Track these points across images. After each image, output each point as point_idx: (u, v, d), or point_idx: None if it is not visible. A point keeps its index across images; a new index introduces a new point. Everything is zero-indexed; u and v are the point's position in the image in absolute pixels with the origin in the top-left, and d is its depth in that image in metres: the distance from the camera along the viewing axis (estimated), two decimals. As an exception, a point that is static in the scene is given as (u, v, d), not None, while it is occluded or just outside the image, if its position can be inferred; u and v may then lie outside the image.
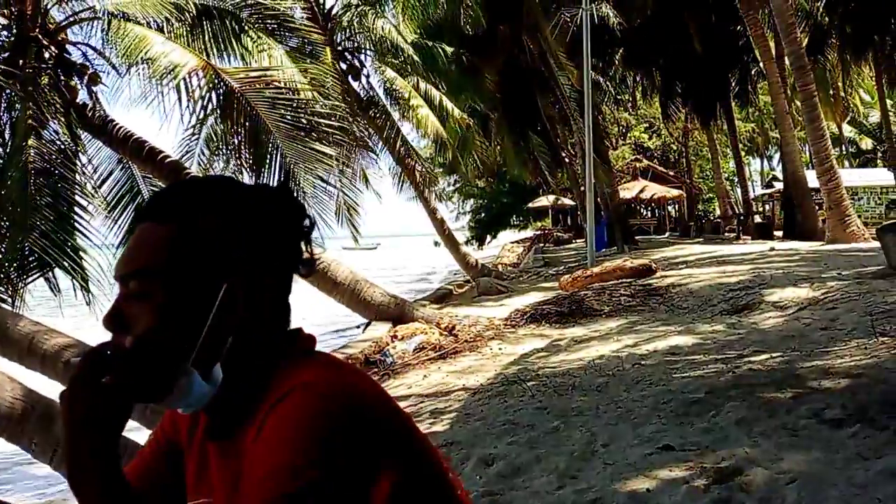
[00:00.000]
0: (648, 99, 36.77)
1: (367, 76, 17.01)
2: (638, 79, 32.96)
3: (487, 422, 5.31)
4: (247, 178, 10.77)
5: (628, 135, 46.52)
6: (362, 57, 16.99)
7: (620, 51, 28.84)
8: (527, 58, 24.55)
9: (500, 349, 8.60)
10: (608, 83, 30.74)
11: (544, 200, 42.17)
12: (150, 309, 0.94)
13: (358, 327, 12.60)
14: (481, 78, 21.23)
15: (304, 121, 11.26)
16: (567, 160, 29.02)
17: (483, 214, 54.72)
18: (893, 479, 3.12)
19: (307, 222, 1.05)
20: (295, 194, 1.10)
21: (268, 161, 11.20)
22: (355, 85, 16.78)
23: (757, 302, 9.37)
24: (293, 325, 1.07)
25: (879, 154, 49.86)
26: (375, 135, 17.57)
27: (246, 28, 11.92)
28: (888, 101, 33.99)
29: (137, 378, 0.93)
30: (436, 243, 22.62)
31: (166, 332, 0.94)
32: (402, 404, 5.78)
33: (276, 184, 1.19)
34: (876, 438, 3.62)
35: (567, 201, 40.28)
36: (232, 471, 0.95)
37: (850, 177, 39.17)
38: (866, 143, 54.16)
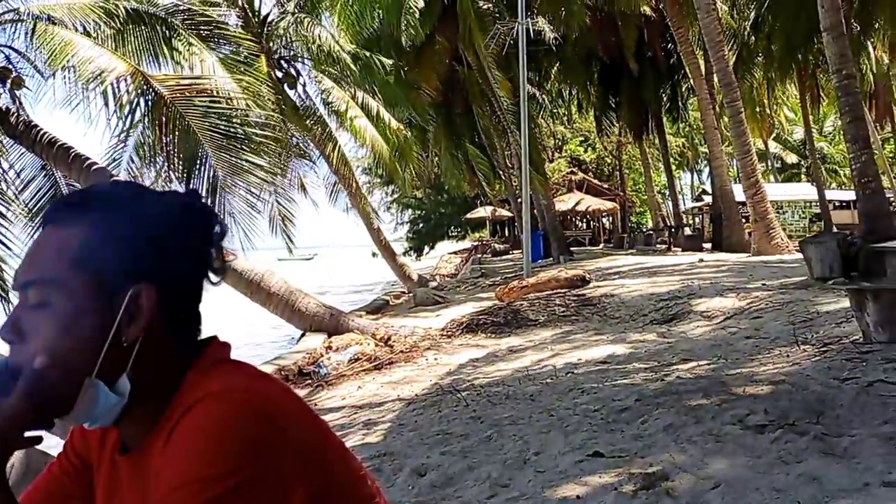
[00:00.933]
0: (583, 113, 37.47)
1: (304, 85, 16.87)
2: (573, 92, 33.54)
3: (421, 432, 5.29)
4: (176, 187, 10.53)
5: (564, 148, 47.26)
6: (299, 65, 16.85)
7: (556, 64, 29.31)
8: (464, 70, 24.73)
9: (435, 359, 8.59)
10: (544, 96, 31.21)
11: (482, 212, 42.47)
12: (51, 319, 0.90)
13: (295, 338, 12.45)
14: (419, 89, 21.30)
15: (236, 130, 11.10)
16: (504, 172, 29.30)
17: (421, 225, 54.82)
18: (812, 483, 3.21)
19: (218, 228, 1.01)
20: (212, 201, 1.07)
21: (198, 170, 11.00)
22: (291, 94, 16.61)
23: (686, 312, 9.61)
24: (222, 334, 1.04)
25: (803, 169, 51.87)
26: (312, 144, 17.42)
27: (178, 34, 11.71)
28: (811, 118, 35.35)
29: (37, 396, 0.87)
30: (373, 254, 22.50)
31: (68, 343, 0.89)
32: (335, 416, 5.75)
33: (201, 191, 1.15)
34: (796, 443, 3.72)
35: (505, 213, 40.65)
36: (143, 484, 0.91)
37: (776, 191, 40.63)
38: (791, 159, 56.29)
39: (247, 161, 10.83)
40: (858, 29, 26.10)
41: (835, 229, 22.50)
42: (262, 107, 12.51)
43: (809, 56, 26.58)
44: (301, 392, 7.88)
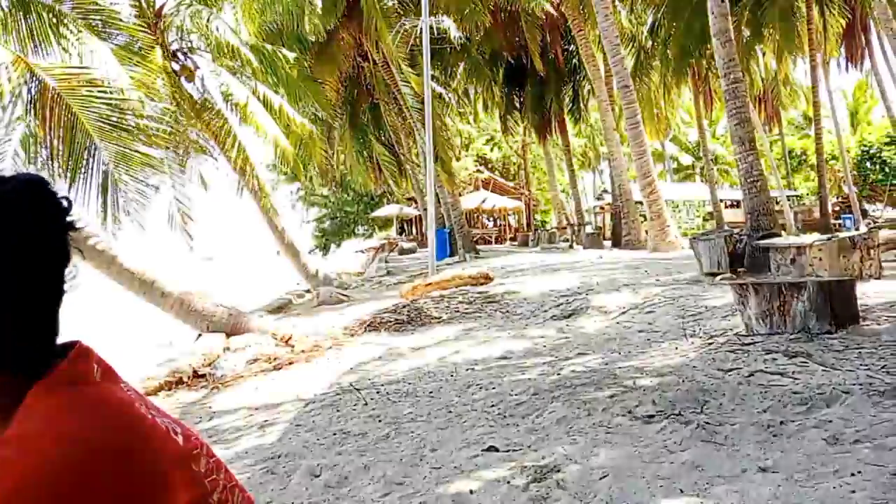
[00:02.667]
0: (489, 112, 37.88)
1: (202, 78, 16.32)
2: (479, 92, 33.84)
3: (318, 432, 5.21)
4: (62, 183, 10.05)
5: (470, 147, 47.67)
6: (196, 58, 16.29)
7: (462, 63, 29.50)
8: (370, 66, 24.58)
9: (337, 358, 8.48)
10: (450, 95, 31.35)
11: (389, 210, 42.37)
12: None
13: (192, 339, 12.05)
14: (323, 86, 21.02)
15: (129, 122, 10.66)
16: (411, 170, 29.30)
17: (327, 223, 54.23)
18: (695, 469, 3.33)
19: (70, 220, 0.89)
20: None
21: (87, 164, 10.52)
22: (189, 87, 16.05)
23: (584, 307, 9.83)
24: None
25: (698, 169, 54.07)
26: (212, 140, 16.91)
27: (66, 23, 11.17)
28: (705, 121, 36.86)
29: None
30: (277, 253, 22.07)
31: None
32: (230, 418, 5.56)
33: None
34: (681, 432, 3.85)
35: (411, 211, 40.69)
36: None
37: (672, 190, 42.31)
38: (686, 159, 58.64)
39: (139, 154, 10.43)
40: (749, 35, 27.41)
41: (726, 227, 23.51)
42: (156, 99, 12.08)
43: (703, 60, 27.70)
44: (196, 395, 7.64)
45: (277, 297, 18.18)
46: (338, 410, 5.81)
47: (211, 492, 0.94)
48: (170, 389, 7.79)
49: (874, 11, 21.74)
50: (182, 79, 15.96)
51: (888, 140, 42.50)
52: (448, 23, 19.77)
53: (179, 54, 16.06)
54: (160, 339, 15.39)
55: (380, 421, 5.22)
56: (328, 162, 25.26)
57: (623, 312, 8.98)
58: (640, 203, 21.90)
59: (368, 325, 10.22)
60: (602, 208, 42.69)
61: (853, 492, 2.73)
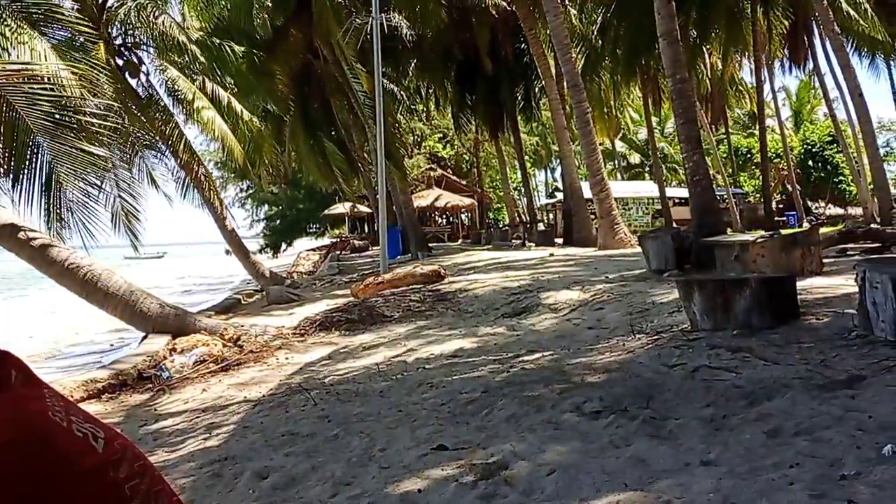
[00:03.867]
0: (441, 110, 37.89)
1: (148, 74, 16.02)
2: (431, 89, 33.84)
3: (266, 434, 5.14)
4: (5, 182, 9.76)
5: (423, 144, 47.66)
6: (142, 53, 15.99)
7: (414, 61, 29.46)
8: (321, 63, 24.37)
9: (286, 359, 8.40)
10: (402, 92, 31.30)
11: (341, 208, 42.11)
12: None
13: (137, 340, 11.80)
14: (274, 80, 20.77)
15: (71, 119, 10.40)
16: (363, 167, 29.16)
17: (278, 222, 53.66)
18: (639, 464, 3.37)
19: None
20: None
21: (30, 162, 10.23)
22: (133, 83, 15.73)
23: (535, 305, 9.90)
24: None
25: (647, 168, 54.97)
26: (158, 137, 16.59)
27: (4, 17, 10.85)
28: (654, 120, 37.43)
29: None
30: (227, 252, 21.78)
31: None
32: (175, 420, 5.47)
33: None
34: (627, 428, 3.89)
35: (364, 209, 40.52)
36: None
37: (622, 188, 42.87)
38: (636, 158, 59.53)
39: (83, 151, 10.18)
40: (696, 36, 27.91)
41: (675, 224, 23.94)
42: (99, 95, 11.80)
43: (651, 60, 28.11)
44: (140, 397, 7.49)
45: (226, 296, 17.94)
46: (286, 411, 5.75)
47: (131, 498, 0.91)
48: (113, 392, 7.61)
49: (816, 13, 22.33)
50: (126, 74, 15.64)
51: (830, 139, 43.73)
52: (400, 20, 19.72)
53: (124, 49, 15.73)
54: (104, 340, 15.08)
55: (329, 421, 5.17)
56: (278, 159, 24.99)
57: (573, 310, 9.07)
58: (591, 201, 22.17)
59: (319, 325, 10.14)
60: (554, 206, 43.09)
61: (791, 483, 2.79)
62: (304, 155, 25.78)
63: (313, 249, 43.73)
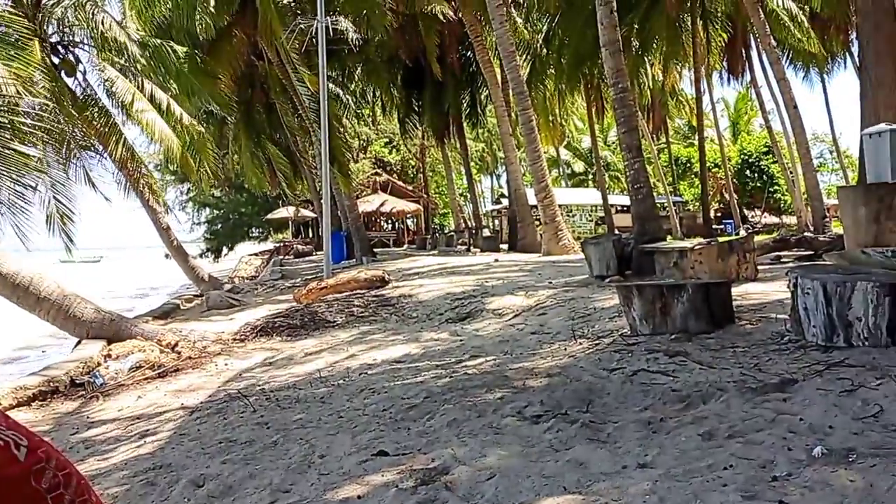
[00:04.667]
0: (388, 114, 37.80)
1: (85, 73, 15.57)
2: (377, 94, 33.74)
3: (203, 441, 5.03)
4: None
5: (369, 149, 47.47)
6: (80, 52, 15.54)
7: (360, 65, 29.33)
8: (265, 65, 24.09)
9: (225, 365, 8.24)
10: (348, 96, 31.14)
11: (285, 212, 41.63)
12: None
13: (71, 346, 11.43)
14: (217, 81, 20.42)
15: (4, 119, 10.07)
16: (307, 171, 28.88)
17: (220, 225, 52.75)
18: (578, 468, 3.39)
19: None
20: None
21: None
22: (70, 82, 15.28)
23: (479, 310, 9.93)
24: None
25: (590, 176, 55.79)
26: (95, 137, 16.14)
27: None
28: (597, 128, 38.02)
29: None
30: (166, 255, 21.34)
31: None
32: (107, 428, 5.31)
33: None
34: (566, 431, 3.92)
35: (308, 213, 40.13)
36: None
37: (566, 195, 43.43)
38: (580, 166, 60.36)
39: (15, 152, 9.85)
40: (638, 47, 28.46)
41: (617, 231, 24.30)
42: (33, 94, 11.45)
43: (595, 70, 28.55)
44: (73, 404, 7.25)
45: (165, 301, 17.55)
46: (224, 418, 5.64)
47: None
48: (44, 399, 7.36)
49: (754, 27, 22.99)
50: (63, 73, 15.19)
51: (766, 150, 45.05)
52: (346, 24, 19.60)
53: (60, 47, 15.27)
54: (37, 346, 14.59)
55: (268, 428, 5.09)
56: (220, 162, 24.59)
57: (517, 315, 9.12)
58: (536, 207, 22.37)
59: (260, 330, 9.99)
60: (500, 212, 43.34)
61: (725, 485, 2.84)
62: (247, 158, 25.44)
63: (256, 254, 43.14)
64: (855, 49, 24.25)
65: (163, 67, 16.53)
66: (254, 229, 54.03)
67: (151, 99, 15.55)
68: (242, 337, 9.87)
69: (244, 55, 22.95)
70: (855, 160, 17.00)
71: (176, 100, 16.91)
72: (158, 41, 16.66)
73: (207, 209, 53.05)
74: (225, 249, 53.78)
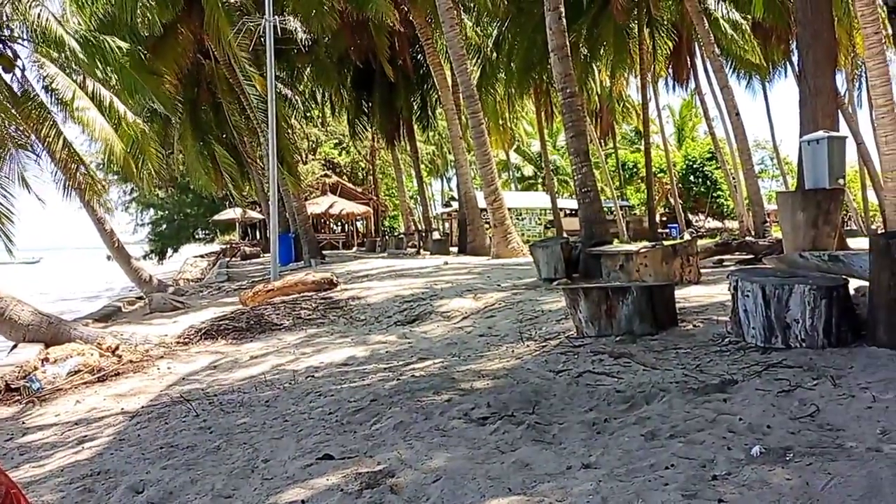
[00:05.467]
0: (337, 116, 37.56)
1: (23, 69, 15.09)
2: (327, 95, 33.51)
3: (143, 446, 4.90)
4: None
5: (318, 150, 47.09)
6: (16, 47, 15.05)
7: (309, 66, 29.08)
8: (212, 64, 23.69)
9: (168, 368, 8.06)
10: (297, 97, 30.84)
11: (231, 213, 41.01)
12: None
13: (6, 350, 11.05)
14: (161, 79, 20.01)
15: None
16: (255, 172, 28.50)
17: (164, 227, 51.71)
18: (524, 469, 3.40)
19: None
20: None
21: None
22: (8, 78, 14.80)
23: (428, 312, 9.92)
24: None
25: (540, 179, 56.32)
26: (34, 135, 15.65)
27: None
28: (546, 133, 38.41)
29: None
30: (108, 257, 20.84)
31: None
32: (44, 434, 5.14)
33: None
34: (513, 433, 3.93)
35: (255, 215, 39.61)
36: None
37: (516, 199, 43.77)
38: (529, 170, 60.90)
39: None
40: (586, 52, 28.85)
41: (566, 234, 24.57)
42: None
43: (544, 75, 28.87)
44: (8, 410, 7.00)
45: (106, 304, 17.11)
46: (166, 423, 5.51)
47: None
48: (-24, 406, 7.09)
49: (699, 35, 23.49)
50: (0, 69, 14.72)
51: (710, 156, 46.11)
52: (295, 23, 19.39)
53: (-3, 42, 14.81)
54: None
55: (211, 432, 4.99)
56: (165, 162, 24.10)
57: (465, 317, 9.14)
58: (485, 210, 22.48)
59: (204, 333, 9.81)
60: (450, 215, 43.45)
61: (666, 484, 2.88)
62: (193, 158, 24.97)
63: (201, 256, 42.45)
64: (795, 58, 24.97)
65: (104, 63, 16.11)
66: (199, 231, 53.13)
67: (93, 97, 15.15)
68: (186, 340, 9.67)
69: (190, 53, 22.53)
70: (794, 167, 17.51)
71: (119, 97, 16.52)
72: (101, 37, 16.23)
73: (152, 210, 52.01)
74: (169, 251, 52.78)
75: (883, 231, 15.03)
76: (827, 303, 4.72)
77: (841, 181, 8.84)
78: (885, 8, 11.65)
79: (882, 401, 3.60)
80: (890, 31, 14.10)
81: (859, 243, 11.09)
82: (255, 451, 4.36)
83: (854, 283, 5.36)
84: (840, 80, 26.95)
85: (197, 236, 53.93)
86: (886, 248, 4.43)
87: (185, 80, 23.27)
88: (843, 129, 17.62)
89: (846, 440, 3.19)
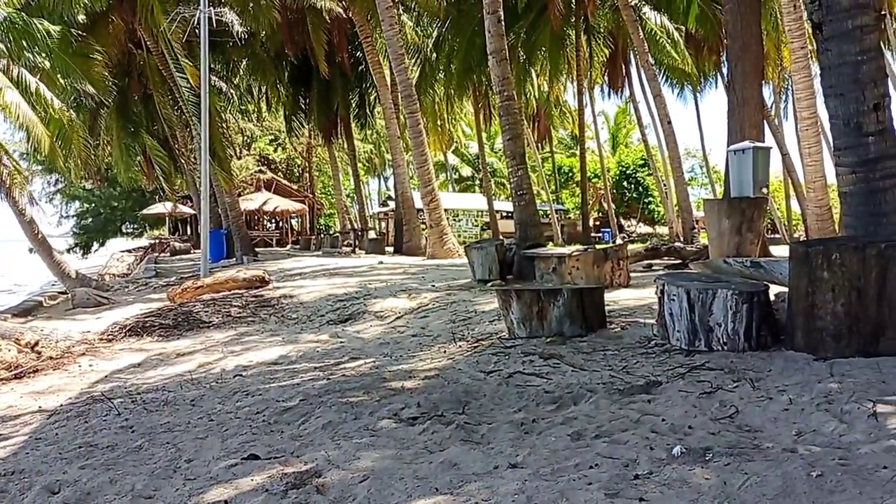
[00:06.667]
0: (273, 111, 37.04)
1: (-58, 51, 14.43)
2: (263, 90, 33.01)
3: (61, 446, 4.73)
4: None
5: (253, 146, 46.31)
6: (-65, 27, 14.39)
7: (245, 59, 28.60)
8: (143, 54, 23.05)
9: (90, 366, 7.81)
10: (232, 91, 30.28)
11: (161, 208, 40.01)
12: None
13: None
14: (92, 65, 19.33)
15: None
16: (187, 166, 27.86)
17: (90, 220, 50.10)
18: (451, 468, 3.40)
19: None
20: None
21: None
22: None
23: (361, 312, 9.88)
24: None
25: (477, 181, 56.67)
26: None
27: None
28: (484, 135, 38.66)
29: None
30: (30, 250, 20.08)
31: None
32: (-49, 434, 4.86)
33: None
34: (441, 433, 3.94)
35: (186, 209, 38.72)
36: None
37: (452, 200, 43.92)
38: (467, 171, 61.21)
39: None
40: (525, 57, 29.16)
41: (501, 236, 24.77)
42: None
43: (483, 77, 29.06)
44: (-86, 408, 6.66)
45: (26, 298, 16.49)
46: (86, 422, 5.33)
47: None
48: None
49: (634, 44, 24.01)
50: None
51: (642, 162, 47.17)
52: (231, 16, 19.03)
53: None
54: None
55: (133, 432, 4.85)
56: (92, 153, 23.33)
57: (399, 317, 9.13)
58: (422, 211, 22.50)
59: (129, 330, 9.54)
60: (386, 214, 43.31)
61: (590, 483, 2.92)
62: (122, 150, 24.24)
63: (129, 251, 41.26)
64: (725, 69, 25.76)
65: (32, 46, 15.48)
66: (127, 225, 51.70)
67: (17, 82, 14.56)
68: (110, 337, 9.39)
69: (121, 42, 21.87)
70: (723, 175, 18.05)
71: (48, 84, 15.91)
72: (28, 18, 15.58)
73: (77, 202, 50.32)
74: (95, 245, 51.18)
75: (805, 239, 15.64)
76: (748, 308, 4.87)
77: (765, 190, 9.16)
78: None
79: (798, 403, 3.73)
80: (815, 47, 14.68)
81: (782, 251, 11.50)
82: (178, 451, 4.26)
83: (775, 289, 5.55)
84: (768, 93, 27.99)
85: (125, 230, 52.46)
86: (805, 256, 4.59)
87: (115, 70, 22.57)
88: (769, 140, 18.26)
89: (763, 441, 3.30)
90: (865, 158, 5.18)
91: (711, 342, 4.99)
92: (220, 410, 5.15)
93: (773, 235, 34.17)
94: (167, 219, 42.73)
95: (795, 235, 34.15)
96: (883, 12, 20.82)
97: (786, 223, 37.22)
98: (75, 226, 50.87)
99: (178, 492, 3.59)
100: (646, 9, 26.59)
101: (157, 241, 41.08)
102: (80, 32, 19.37)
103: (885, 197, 5.15)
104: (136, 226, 51.60)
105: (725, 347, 4.92)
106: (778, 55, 25.17)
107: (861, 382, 3.90)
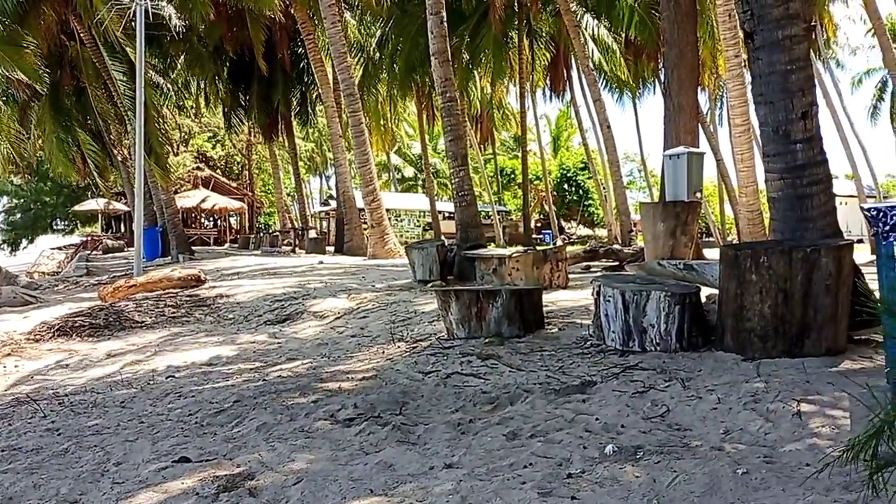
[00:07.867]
0: (212, 107, 36.37)
1: None
2: (202, 85, 32.37)
3: (-19, 450, 4.55)
4: None
5: (191, 142, 45.36)
6: None
7: (183, 54, 27.99)
8: (77, 46, 22.35)
9: (15, 366, 7.54)
10: (169, 85, 29.60)
11: (94, 204, 38.88)
12: None
13: None
14: (23, 54, 18.64)
15: None
16: (121, 161, 27.11)
17: (19, 216, 48.42)
18: (387, 469, 3.39)
19: None
20: None
21: None
22: None
23: (300, 312, 9.77)
24: None
25: (420, 182, 56.69)
26: None
27: None
28: (427, 136, 38.69)
29: None
30: (-47, 246, 19.27)
31: None
32: None
33: None
34: (378, 434, 3.92)
35: (120, 206, 37.71)
36: None
37: (394, 200, 43.84)
38: (410, 172, 61.19)
39: None
40: (468, 59, 29.27)
41: (443, 237, 24.80)
42: None
43: (426, 78, 29.07)
44: None
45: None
46: (9, 424, 5.14)
47: None
48: None
49: (575, 49, 24.33)
50: None
51: (583, 165, 47.88)
52: (168, 9, 18.60)
53: None
54: None
55: (59, 434, 4.70)
56: (21, 146, 22.52)
57: (338, 317, 9.06)
58: (364, 210, 22.37)
59: (58, 330, 9.23)
60: (327, 214, 42.93)
61: (524, 483, 2.94)
62: (53, 144, 23.44)
63: (60, 248, 39.93)
64: (663, 76, 26.32)
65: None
66: (58, 221, 50.13)
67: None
68: (37, 337, 9.07)
69: (53, 34, 21.15)
70: (660, 179, 18.46)
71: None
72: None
73: (5, 198, 48.61)
74: (24, 242, 49.52)
75: (735, 243, 16.08)
76: (680, 309, 4.98)
77: (699, 194, 9.40)
78: (743, 33, 12.50)
79: (726, 402, 3.82)
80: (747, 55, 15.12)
81: (716, 254, 11.80)
82: (106, 454, 4.14)
83: (707, 291, 5.69)
84: (703, 99, 28.72)
85: (56, 227, 50.86)
86: (735, 258, 4.72)
87: (47, 62, 21.83)
88: (704, 146, 18.75)
89: (692, 439, 3.37)
90: (793, 165, 5.34)
91: (645, 343, 5.09)
92: (150, 412, 5.03)
93: (707, 239, 35.11)
94: (100, 216, 41.54)
95: (729, 239, 35.10)
96: (812, 23, 21.59)
97: (719, 227, 38.24)
98: (3, 222, 49.20)
99: (104, 496, 3.50)
100: (587, 17, 26.99)
101: (90, 238, 39.84)
102: (9, 22, 18.67)
103: (812, 202, 5.32)
104: (67, 222, 50.09)
105: (658, 348, 5.02)
106: (714, 63, 25.83)
107: (786, 382, 4.02)
